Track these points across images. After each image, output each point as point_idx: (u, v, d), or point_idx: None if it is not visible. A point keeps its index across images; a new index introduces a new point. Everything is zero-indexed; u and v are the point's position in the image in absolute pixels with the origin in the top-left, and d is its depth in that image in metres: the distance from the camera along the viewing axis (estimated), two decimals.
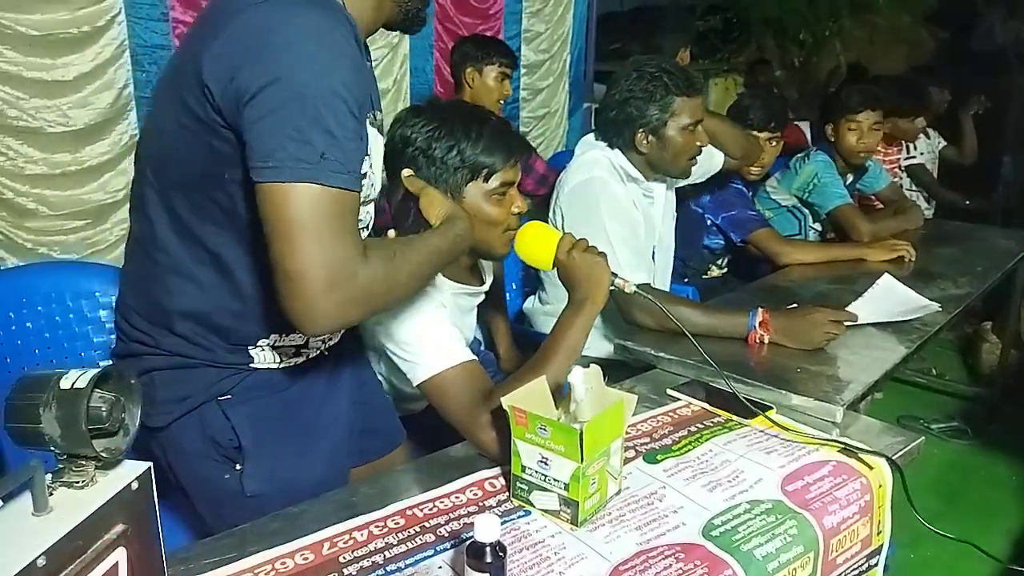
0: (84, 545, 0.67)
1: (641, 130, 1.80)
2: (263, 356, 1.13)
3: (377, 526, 1.03)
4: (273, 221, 0.89)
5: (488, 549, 0.84)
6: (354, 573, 0.93)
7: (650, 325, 1.67)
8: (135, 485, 0.74)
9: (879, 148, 3.35)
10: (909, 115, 3.30)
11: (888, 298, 1.79)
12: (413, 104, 1.31)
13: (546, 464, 1.03)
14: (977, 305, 3.38)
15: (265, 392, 1.13)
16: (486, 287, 1.51)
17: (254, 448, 1.12)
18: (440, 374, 1.23)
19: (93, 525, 0.69)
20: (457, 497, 1.11)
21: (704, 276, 2.58)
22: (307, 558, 0.96)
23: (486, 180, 1.32)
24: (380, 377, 1.48)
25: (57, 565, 0.64)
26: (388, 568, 0.95)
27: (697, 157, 1.86)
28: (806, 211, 2.70)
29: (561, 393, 1.18)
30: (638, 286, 1.67)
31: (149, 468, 0.76)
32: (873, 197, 2.94)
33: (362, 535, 1.01)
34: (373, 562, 0.96)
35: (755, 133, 2.36)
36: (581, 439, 0.98)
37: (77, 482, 0.72)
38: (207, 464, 1.13)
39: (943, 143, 3.77)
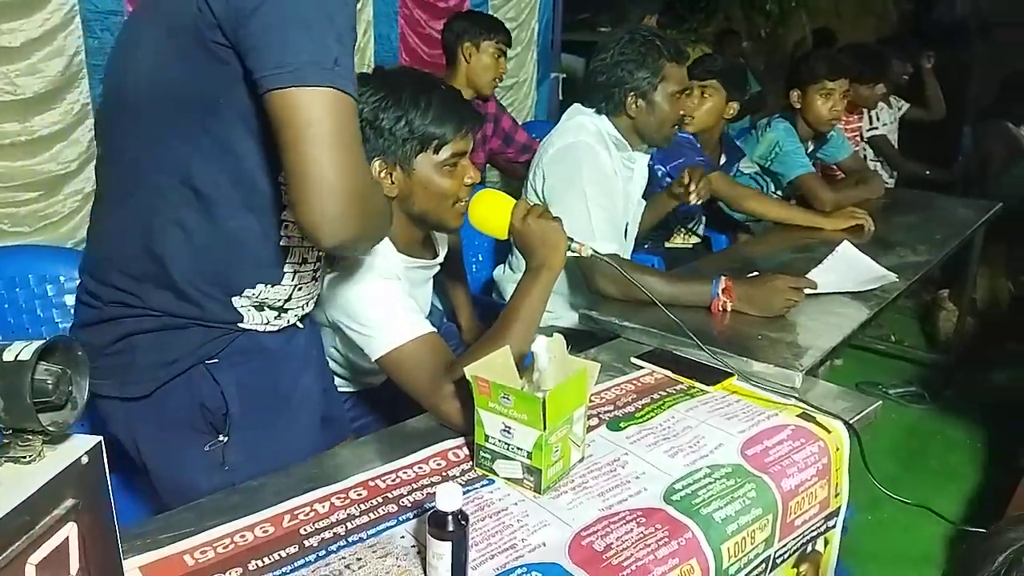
0: (32, 520, 0.66)
1: (631, 94, 1.80)
2: (251, 315, 1.11)
3: (339, 497, 1.02)
4: (296, 127, 0.86)
5: (450, 518, 0.84)
6: (315, 544, 0.93)
7: (614, 294, 1.67)
8: (85, 459, 0.73)
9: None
10: (870, 82, 3.33)
11: (847, 266, 1.81)
12: (359, 72, 1.27)
13: (509, 433, 1.03)
14: (935, 273, 3.46)
15: (249, 357, 1.12)
16: (439, 260, 1.49)
17: (241, 417, 1.10)
18: (399, 348, 1.22)
19: (41, 500, 0.67)
20: (420, 467, 1.10)
21: (668, 244, 2.59)
22: (267, 531, 0.95)
23: (436, 152, 1.29)
24: (336, 352, 1.45)
25: (4, 541, 0.62)
26: (350, 539, 0.94)
27: (678, 126, 1.89)
28: (768, 179, 2.72)
29: (524, 363, 1.18)
30: (605, 255, 1.68)
31: (100, 442, 0.74)
32: (834, 167, 2.97)
33: (324, 507, 1.00)
34: (335, 533, 0.95)
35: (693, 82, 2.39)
36: (544, 407, 0.98)
37: (24, 457, 0.70)
38: (187, 435, 1.10)
39: (905, 107, 3.81)
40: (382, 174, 1.29)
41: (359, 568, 0.89)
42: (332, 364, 1.49)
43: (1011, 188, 3.54)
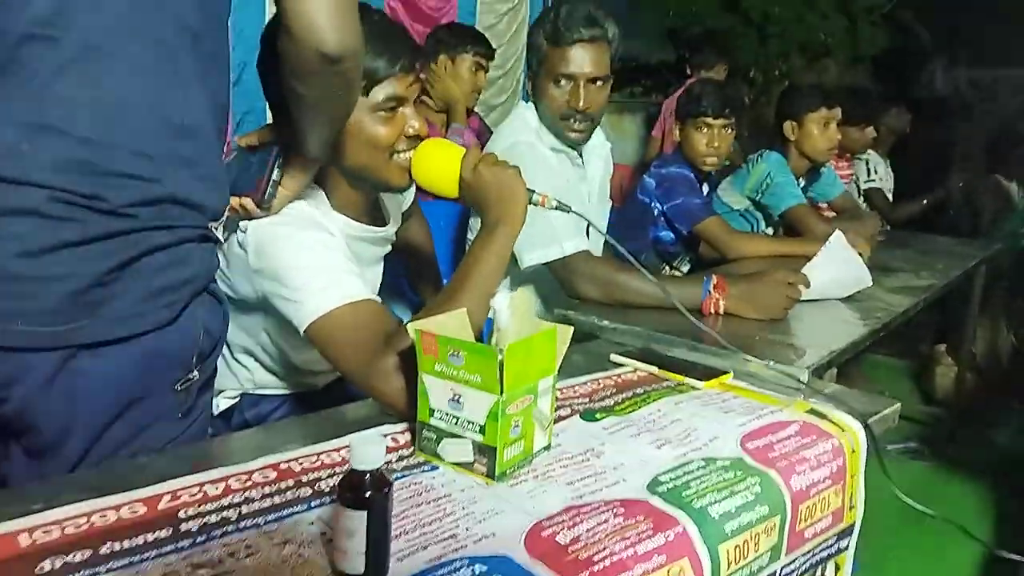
0: None
1: (528, 76, 1.66)
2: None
3: (239, 479, 0.81)
4: None
5: (367, 478, 0.64)
6: (193, 529, 0.71)
7: (595, 297, 1.50)
8: None
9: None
10: (859, 124, 3.25)
11: (837, 264, 1.61)
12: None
13: (458, 403, 0.83)
14: (931, 326, 3.32)
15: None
16: (390, 231, 1.30)
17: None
18: (330, 313, 1.02)
19: None
20: (348, 451, 0.89)
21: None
22: (136, 511, 0.74)
23: (367, 92, 1.08)
24: (267, 339, 1.24)
25: None
26: (241, 524, 0.73)
27: (577, 123, 1.61)
28: (758, 215, 2.59)
29: (482, 335, 0.99)
30: (578, 252, 1.50)
31: None
32: (826, 205, 2.85)
33: (216, 488, 0.79)
34: (222, 517, 0.74)
35: (710, 120, 2.23)
36: (501, 365, 0.79)
37: None
38: (163, 378, 0.88)
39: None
40: None
41: (246, 557, 0.68)
42: (263, 357, 1.28)
43: (1002, 240, 3.45)
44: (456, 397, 0.83)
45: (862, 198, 3.57)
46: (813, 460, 0.94)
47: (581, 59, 1.55)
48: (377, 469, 0.64)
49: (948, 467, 2.75)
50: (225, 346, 1.27)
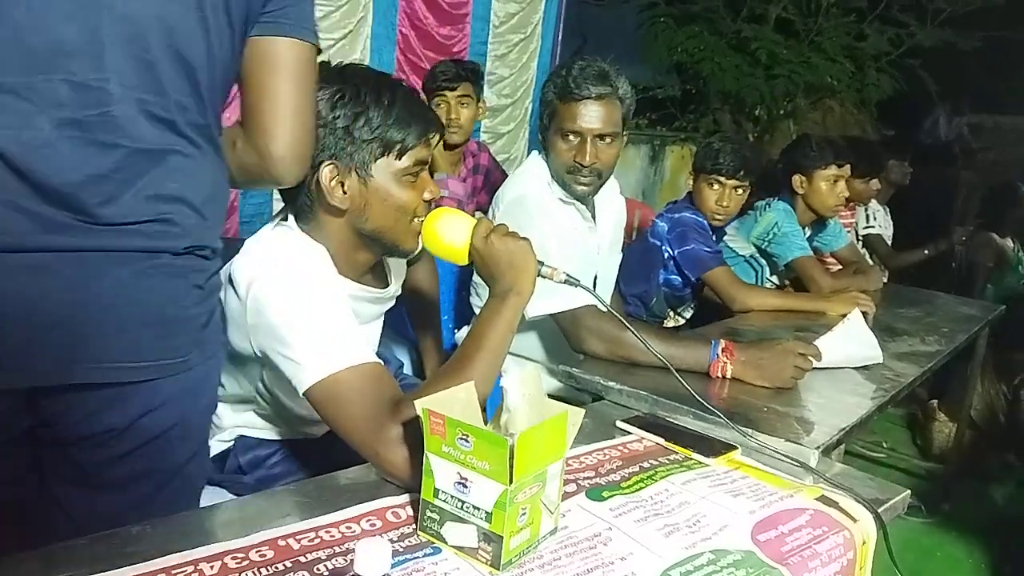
0: None
1: (540, 132, 1.66)
2: None
3: (235, 558, 0.78)
4: (301, 75, 0.99)
5: None
6: None
7: (600, 353, 1.47)
8: None
9: None
10: (864, 176, 3.25)
11: (852, 339, 1.62)
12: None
13: (465, 487, 0.81)
14: (926, 381, 3.30)
15: None
16: (392, 291, 1.29)
17: None
18: (333, 376, 0.99)
19: None
20: (348, 527, 0.87)
21: (661, 324, 2.41)
22: None
23: (399, 157, 1.11)
24: (263, 388, 1.21)
25: None
26: None
27: (583, 177, 1.60)
28: (764, 262, 2.58)
29: (488, 408, 0.97)
30: (582, 306, 1.48)
31: None
32: (830, 255, 2.85)
33: (212, 568, 0.76)
34: None
35: (723, 179, 2.23)
36: (511, 454, 0.76)
37: None
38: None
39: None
40: (332, 182, 1.10)
41: None
42: (259, 404, 1.25)
43: (998, 297, 3.45)
44: (463, 480, 0.81)
45: (861, 243, 3.58)
46: (824, 555, 0.91)
47: (588, 115, 1.55)
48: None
49: (944, 524, 2.73)
50: (220, 391, 1.25)
